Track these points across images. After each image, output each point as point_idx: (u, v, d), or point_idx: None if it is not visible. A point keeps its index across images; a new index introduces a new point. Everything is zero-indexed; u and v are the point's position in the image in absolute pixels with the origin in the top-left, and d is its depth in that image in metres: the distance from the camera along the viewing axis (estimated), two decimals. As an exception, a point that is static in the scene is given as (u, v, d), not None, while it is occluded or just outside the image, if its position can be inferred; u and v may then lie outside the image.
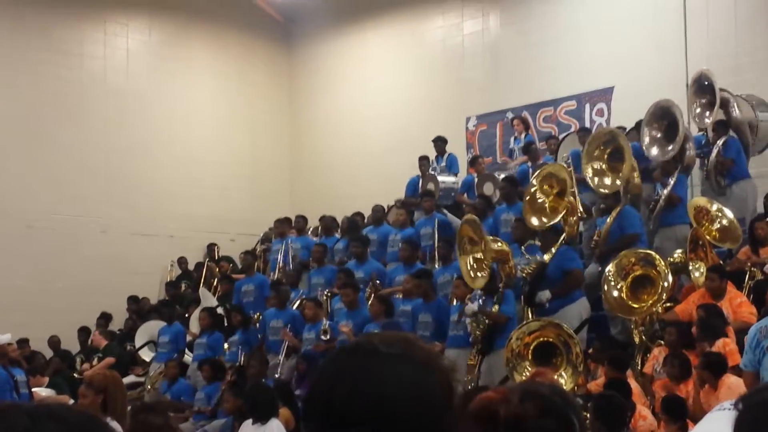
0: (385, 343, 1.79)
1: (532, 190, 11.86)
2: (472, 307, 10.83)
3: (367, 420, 1.70)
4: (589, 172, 12.14)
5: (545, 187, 11.80)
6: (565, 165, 12.51)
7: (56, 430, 1.32)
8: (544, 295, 10.98)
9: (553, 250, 11.20)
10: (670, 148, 12.25)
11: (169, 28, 20.27)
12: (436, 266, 13.25)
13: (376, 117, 19.74)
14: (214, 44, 20.67)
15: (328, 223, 16.13)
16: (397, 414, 1.71)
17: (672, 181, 11.87)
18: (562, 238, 11.37)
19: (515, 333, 9.98)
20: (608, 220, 11.57)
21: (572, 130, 16.13)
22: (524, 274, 11.18)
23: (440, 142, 16.51)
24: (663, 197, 11.84)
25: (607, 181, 12.03)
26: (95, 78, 19.10)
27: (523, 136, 16.27)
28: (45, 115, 18.12)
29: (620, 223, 11.54)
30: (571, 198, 11.63)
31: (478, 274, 11.10)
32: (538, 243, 11.80)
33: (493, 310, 10.82)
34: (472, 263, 11.23)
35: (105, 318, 16.62)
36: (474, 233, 11.33)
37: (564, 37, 17.32)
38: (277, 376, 12.28)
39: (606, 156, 12.15)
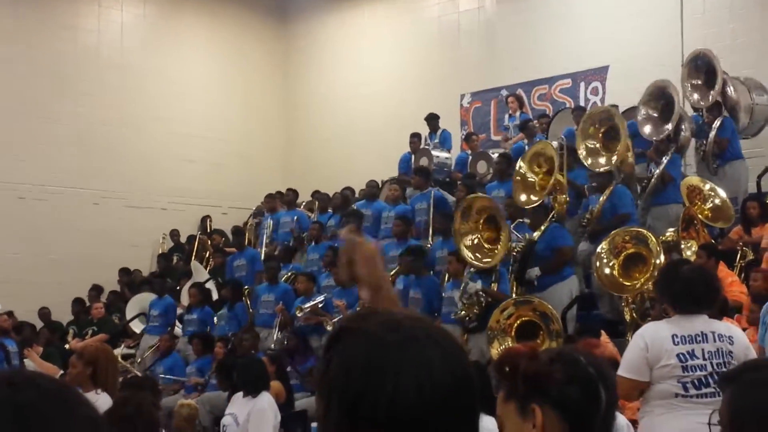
0: (420, 327, 1.56)
1: (522, 169, 11.82)
2: (475, 285, 10.79)
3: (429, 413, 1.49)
4: (582, 151, 12.15)
5: (534, 167, 11.77)
6: (557, 144, 12.45)
7: (36, 397, 1.31)
8: (533, 272, 10.98)
9: (542, 227, 11.20)
10: (666, 127, 12.26)
11: (164, 3, 20.15)
12: (431, 241, 13.25)
13: (371, 93, 19.67)
14: (209, 18, 20.55)
15: (323, 201, 16.15)
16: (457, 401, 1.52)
17: (665, 160, 11.86)
18: (551, 215, 11.36)
19: (496, 315, 10.09)
20: (601, 198, 11.57)
21: (565, 107, 16.08)
22: (513, 253, 11.18)
23: (433, 119, 16.48)
24: (656, 176, 11.83)
25: (602, 160, 12.03)
26: (89, 51, 18.98)
27: (517, 113, 16.23)
28: (38, 87, 18.02)
29: (612, 202, 11.55)
30: (560, 176, 11.59)
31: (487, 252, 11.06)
32: (527, 221, 11.79)
33: (492, 288, 10.86)
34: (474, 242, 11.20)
35: (97, 290, 16.58)
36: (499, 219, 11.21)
37: (559, 15, 17.23)
38: (269, 349, 12.32)
39: (601, 134, 12.16)
